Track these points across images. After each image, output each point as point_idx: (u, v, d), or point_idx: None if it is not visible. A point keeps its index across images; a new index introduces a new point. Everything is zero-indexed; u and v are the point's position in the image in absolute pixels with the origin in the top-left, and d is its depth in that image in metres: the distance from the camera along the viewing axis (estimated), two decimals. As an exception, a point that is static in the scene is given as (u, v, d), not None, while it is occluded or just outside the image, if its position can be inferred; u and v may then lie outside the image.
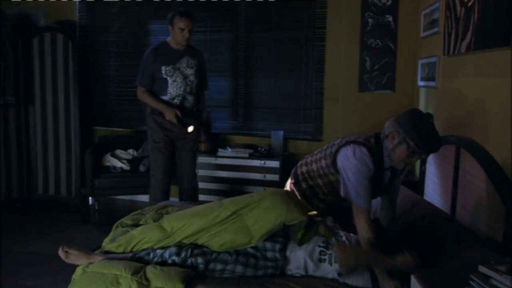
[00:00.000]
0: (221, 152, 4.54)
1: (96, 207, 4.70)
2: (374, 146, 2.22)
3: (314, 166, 2.45)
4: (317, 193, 2.48)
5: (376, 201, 2.59)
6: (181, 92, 3.65)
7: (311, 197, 2.51)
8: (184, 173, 3.87)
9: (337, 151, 2.29)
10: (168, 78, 3.62)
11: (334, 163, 2.30)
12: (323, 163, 2.38)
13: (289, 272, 2.17)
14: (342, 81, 4.22)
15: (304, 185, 2.52)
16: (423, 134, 2.07)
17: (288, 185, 2.65)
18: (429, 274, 1.67)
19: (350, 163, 2.19)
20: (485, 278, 1.42)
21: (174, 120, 3.58)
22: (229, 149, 4.51)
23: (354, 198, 2.18)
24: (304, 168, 2.53)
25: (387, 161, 2.23)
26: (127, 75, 5.01)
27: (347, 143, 2.25)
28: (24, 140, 4.93)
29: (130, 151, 4.80)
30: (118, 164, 4.63)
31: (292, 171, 2.65)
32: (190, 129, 3.67)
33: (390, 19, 4.00)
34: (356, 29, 4.08)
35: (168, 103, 3.65)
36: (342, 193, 2.29)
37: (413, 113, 2.15)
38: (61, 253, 2.24)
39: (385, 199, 2.45)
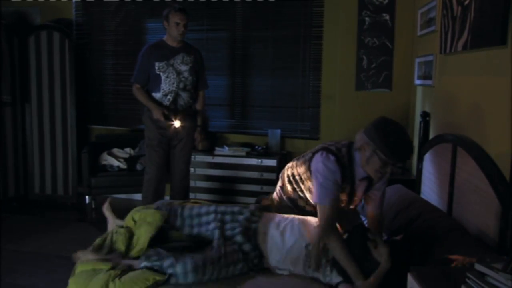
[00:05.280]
0: (218, 150, 4.54)
1: (93, 206, 4.69)
2: (344, 156, 2.26)
3: (298, 170, 2.47)
4: (301, 196, 2.49)
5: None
6: (174, 88, 3.66)
7: (296, 200, 2.52)
8: (176, 171, 3.88)
9: (312, 156, 2.34)
10: (161, 74, 3.63)
11: (310, 167, 2.34)
12: (303, 168, 2.41)
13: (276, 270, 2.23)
14: (339, 80, 4.23)
15: (289, 187, 2.53)
16: (391, 145, 2.08)
17: (277, 187, 2.68)
18: (426, 272, 1.67)
19: (319, 168, 2.24)
20: (481, 276, 1.43)
21: (161, 119, 3.60)
22: (226, 148, 4.51)
23: (319, 199, 2.22)
24: (289, 171, 2.55)
25: (360, 172, 2.26)
26: (124, 74, 4.99)
27: (321, 148, 2.31)
28: (20, 138, 4.92)
29: (127, 149, 4.79)
30: (115, 162, 4.62)
31: (280, 174, 2.67)
32: (177, 124, 3.67)
33: (387, 17, 4.00)
34: (353, 27, 4.08)
35: (157, 103, 3.66)
36: (313, 199, 2.32)
37: (379, 124, 2.15)
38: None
39: (369, 209, 2.45)
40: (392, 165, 2.15)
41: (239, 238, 2.25)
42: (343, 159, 2.25)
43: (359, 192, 2.35)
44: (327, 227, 2.16)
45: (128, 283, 2.05)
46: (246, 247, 2.24)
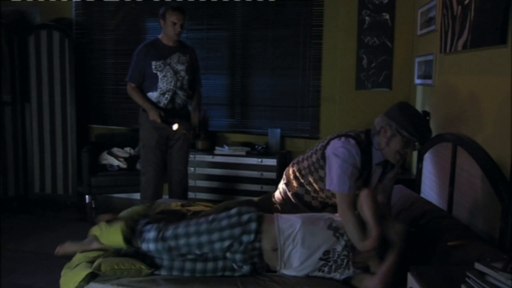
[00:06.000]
0: (218, 150, 4.54)
1: (93, 205, 4.68)
2: (363, 141, 2.26)
3: (305, 163, 2.47)
4: (308, 190, 2.49)
5: None
6: (171, 87, 3.65)
7: (303, 195, 2.51)
8: (175, 171, 3.86)
9: (327, 143, 2.33)
10: (158, 73, 3.62)
11: (323, 155, 2.33)
12: (314, 158, 2.41)
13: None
14: (339, 79, 4.23)
15: (295, 183, 2.52)
16: (416, 122, 2.12)
17: (280, 186, 2.66)
18: (426, 271, 1.67)
19: (338, 152, 2.22)
20: (481, 275, 1.43)
21: (158, 120, 3.58)
22: (226, 147, 4.51)
23: (338, 185, 2.19)
24: (295, 167, 2.55)
25: (378, 156, 2.27)
26: (123, 73, 4.92)
27: (338, 136, 2.31)
28: (20, 138, 4.92)
29: (127, 149, 4.79)
30: (115, 162, 4.62)
31: (284, 171, 2.66)
32: (175, 127, 3.66)
33: (387, 17, 4.00)
34: (353, 27, 4.08)
35: (153, 103, 3.65)
36: (327, 184, 2.27)
37: (402, 105, 2.20)
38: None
39: (378, 197, 2.45)
40: (413, 144, 2.17)
41: (245, 268, 2.16)
42: (363, 143, 2.26)
43: (374, 178, 2.35)
44: (348, 214, 2.15)
45: (114, 261, 2.11)
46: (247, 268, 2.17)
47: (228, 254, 2.14)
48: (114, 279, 2.08)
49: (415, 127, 2.11)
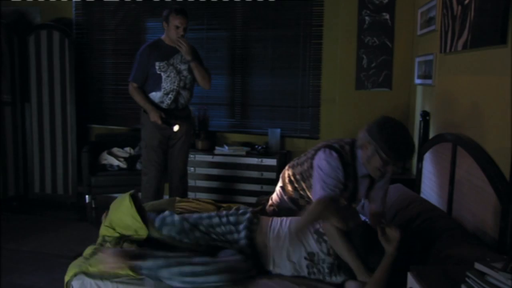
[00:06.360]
0: (218, 150, 4.54)
1: (93, 205, 4.69)
2: (347, 154, 2.26)
3: (299, 169, 2.47)
4: (302, 195, 2.49)
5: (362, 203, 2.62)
6: (175, 87, 3.66)
7: (297, 199, 2.52)
8: (176, 171, 3.87)
9: (315, 153, 2.33)
10: (162, 74, 3.63)
11: (312, 165, 2.33)
12: (305, 166, 2.41)
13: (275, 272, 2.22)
14: (339, 79, 4.23)
15: (290, 187, 2.53)
16: (393, 145, 2.09)
17: (277, 188, 2.67)
18: (426, 271, 1.67)
19: (321, 165, 2.24)
20: (481, 275, 1.43)
21: (159, 122, 3.60)
22: (226, 147, 4.51)
23: (319, 192, 2.20)
24: (290, 171, 2.55)
25: (363, 169, 2.26)
26: (123, 73, 4.98)
27: (324, 146, 2.30)
28: (20, 138, 4.92)
29: (127, 149, 4.79)
30: (115, 162, 4.62)
31: (281, 173, 2.67)
32: (176, 128, 3.68)
33: (387, 17, 4.00)
34: (353, 27, 4.08)
35: (154, 104, 3.66)
36: (312, 195, 2.30)
37: (382, 123, 2.16)
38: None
39: (371, 208, 2.44)
40: (393, 164, 2.16)
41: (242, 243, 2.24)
42: (346, 156, 2.25)
43: (362, 190, 2.35)
44: (331, 229, 2.15)
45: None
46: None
47: (229, 236, 2.28)
48: None
49: (392, 150, 2.08)
